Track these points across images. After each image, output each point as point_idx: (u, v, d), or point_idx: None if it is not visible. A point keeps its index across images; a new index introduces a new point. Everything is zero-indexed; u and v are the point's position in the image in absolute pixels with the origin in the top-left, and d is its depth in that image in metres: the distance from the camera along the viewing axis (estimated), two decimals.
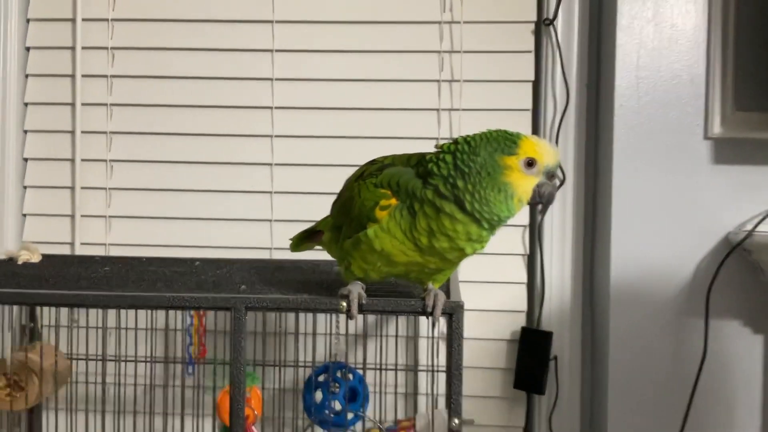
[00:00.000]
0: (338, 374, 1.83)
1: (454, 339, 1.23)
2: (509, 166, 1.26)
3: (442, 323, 1.35)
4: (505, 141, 1.27)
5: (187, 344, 1.95)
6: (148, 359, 1.99)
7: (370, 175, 1.40)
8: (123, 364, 2.01)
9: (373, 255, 1.35)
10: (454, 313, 1.27)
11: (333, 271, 1.86)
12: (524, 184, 1.27)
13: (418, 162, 1.35)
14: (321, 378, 1.86)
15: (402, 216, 1.32)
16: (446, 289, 1.48)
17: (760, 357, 1.94)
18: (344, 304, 1.32)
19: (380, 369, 1.95)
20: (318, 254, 2.07)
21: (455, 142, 1.31)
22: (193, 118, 2.23)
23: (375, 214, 1.34)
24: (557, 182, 1.32)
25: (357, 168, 1.51)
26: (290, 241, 1.73)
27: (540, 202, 1.30)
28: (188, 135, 2.23)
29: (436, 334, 1.49)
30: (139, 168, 2.24)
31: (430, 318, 1.31)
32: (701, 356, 1.89)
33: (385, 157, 1.45)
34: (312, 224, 1.71)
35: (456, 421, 1.21)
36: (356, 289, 1.35)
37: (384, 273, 1.40)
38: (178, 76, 2.23)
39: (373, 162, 1.47)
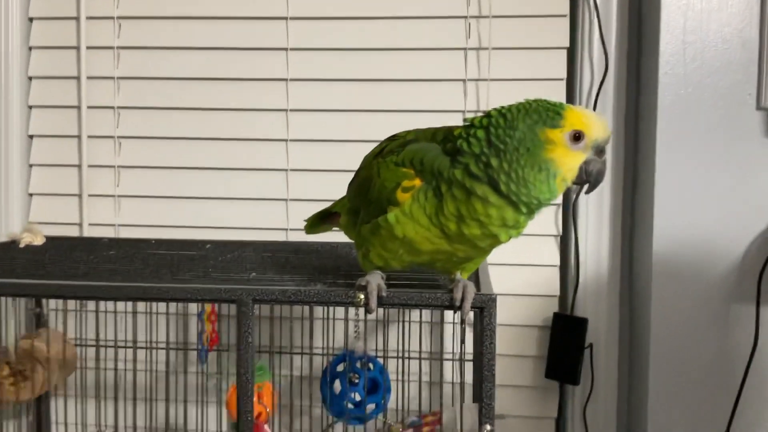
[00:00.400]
0: (358, 364, 1.71)
1: (485, 337, 1.10)
2: (552, 141, 1.11)
3: (471, 315, 1.22)
4: (547, 112, 1.12)
5: (199, 331, 1.84)
6: (161, 345, 1.90)
7: (391, 153, 1.26)
8: (134, 350, 1.91)
9: (394, 242, 1.22)
10: (485, 308, 1.13)
11: (353, 255, 1.74)
12: (570, 161, 1.12)
13: (445, 137, 1.21)
14: (340, 368, 1.75)
15: (427, 199, 1.18)
16: (475, 278, 1.34)
17: None
18: (362, 296, 1.19)
19: (402, 357, 1.83)
20: (337, 236, 1.96)
21: (488, 115, 1.16)
22: (204, 91, 2.11)
23: (396, 197, 1.20)
24: (606, 158, 1.16)
25: (376, 144, 1.37)
26: (305, 223, 1.61)
27: (587, 181, 1.15)
28: (200, 109, 2.12)
29: (464, 323, 1.35)
30: (148, 145, 2.13)
31: (458, 312, 1.17)
32: (752, 347, 1.73)
33: (408, 132, 1.31)
34: (328, 204, 1.58)
35: (488, 427, 1.09)
36: (375, 280, 1.21)
37: (407, 262, 1.27)
38: (190, 47, 2.11)
39: (393, 137, 1.32)
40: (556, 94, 2.01)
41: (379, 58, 2.05)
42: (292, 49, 2.07)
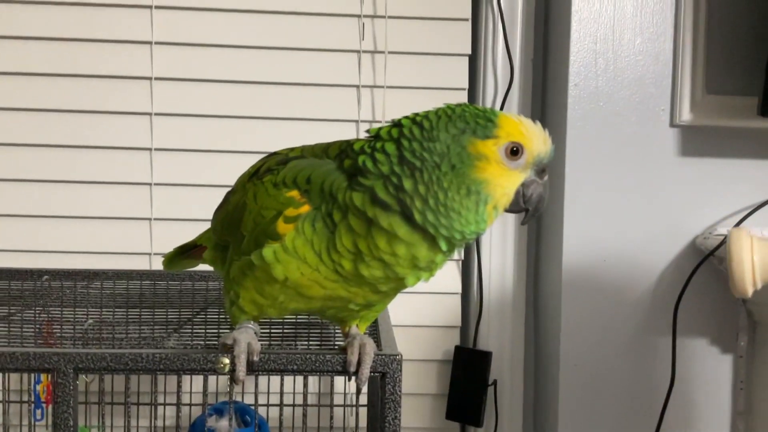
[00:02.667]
0: (232, 418, 1.43)
1: (388, 409, 0.86)
2: (484, 156, 0.87)
3: None
4: (477, 119, 0.89)
5: (34, 382, 1.51)
6: None
7: (269, 171, 0.99)
8: None
9: (272, 286, 0.95)
10: (388, 373, 0.89)
11: None
12: (505, 182, 0.89)
13: (340, 152, 0.96)
14: (211, 422, 1.46)
15: (315, 230, 0.92)
16: (373, 328, 1.11)
17: (728, 381, 1.68)
18: (226, 361, 0.90)
19: (290, 405, 1.56)
20: None
21: (398, 124, 0.92)
22: (47, 88, 1.77)
23: (277, 229, 0.93)
24: (547, 179, 0.94)
25: (257, 156, 1.11)
26: (163, 258, 1.32)
27: (524, 209, 0.93)
28: (38, 110, 1.78)
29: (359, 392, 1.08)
30: None
31: (353, 378, 0.92)
32: (669, 380, 1.60)
33: (292, 149, 1.04)
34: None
35: None
36: (245, 339, 0.92)
37: (288, 310, 1.01)
38: (28, 36, 1.76)
39: (275, 154, 1.05)
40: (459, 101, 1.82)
41: (261, 58, 1.80)
42: (157, 43, 1.77)
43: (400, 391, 0.87)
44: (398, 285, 0.96)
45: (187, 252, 1.29)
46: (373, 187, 0.89)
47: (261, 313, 1.01)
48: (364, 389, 1.58)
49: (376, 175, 0.90)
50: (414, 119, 0.91)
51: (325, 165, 0.95)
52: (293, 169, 0.96)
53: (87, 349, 0.87)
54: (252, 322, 1.00)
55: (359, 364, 0.90)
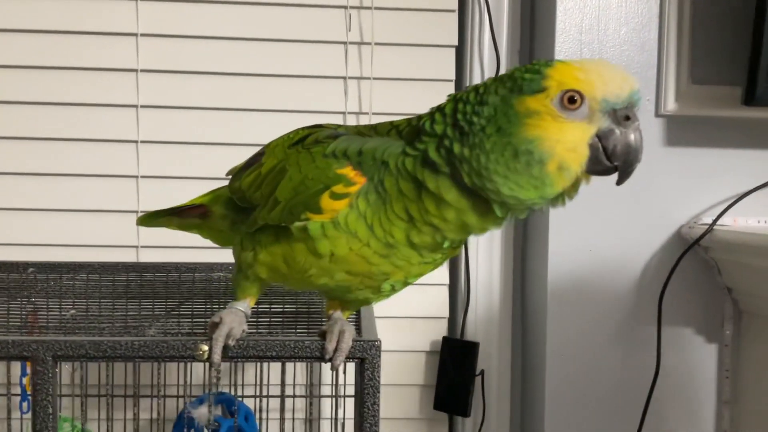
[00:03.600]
0: (218, 410, 1.43)
1: (366, 396, 0.86)
2: (534, 112, 0.80)
3: None
4: (525, 74, 0.83)
5: (21, 374, 1.50)
6: None
7: (318, 143, 0.95)
8: None
9: (307, 258, 0.93)
10: (366, 359, 0.89)
11: (218, 276, 1.48)
12: (567, 137, 0.80)
13: (407, 125, 0.93)
14: (198, 412, 1.46)
15: (369, 203, 0.89)
16: (357, 316, 1.11)
17: (713, 370, 1.68)
18: (204, 348, 0.90)
19: (266, 396, 1.55)
20: (204, 255, 1.68)
21: (461, 92, 0.90)
22: (31, 81, 1.75)
23: (320, 203, 0.90)
24: (638, 125, 0.81)
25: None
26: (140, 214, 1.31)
27: (609, 165, 0.83)
28: (20, 103, 1.76)
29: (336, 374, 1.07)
30: None
31: (330, 364, 0.92)
32: (654, 370, 1.61)
33: (338, 126, 1.02)
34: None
35: None
36: (230, 321, 0.92)
37: (312, 285, 0.98)
38: (11, 28, 1.74)
39: (320, 127, 1.02)
40: (443, 96, 1.82)
41: (247, 49, 1.79)
42: (143, 35, 1.76)
43: (378, 377, 0.88)
44: (445, 253, 0.93)
45: (175, 213, 1.25)
46: (427, 149, 0.86)
47: (275, 282, 0.99)
48: (351, 380, 1.59)
49: (432, 136, 0.87)
50: (475, 86, 0.88)
51: (377, 138, 0.93)
52: (343, 142, 0.93)
53: (66, 336, 0.87)
54: (247, 303, 0.99)
55: (336, 351, 0.90)
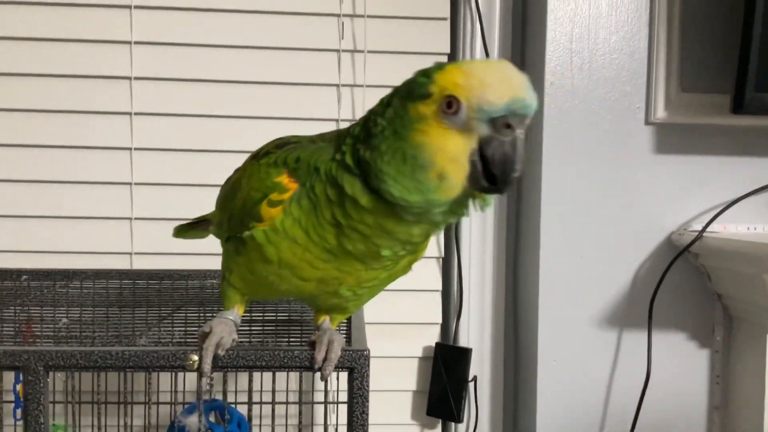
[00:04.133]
0: (211, 417, 1.43)
1: (356, 404, 0.87)
2: (423, 117, 0.79)
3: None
4: (419, 77, 0.81)
5: (15, 381, 1.51)
6: None
7: (266, 154, 0.98)
8: None
9: (264, 266, 0.94)
10: (355, 368, 0.90)
11: (212, 284, 1.48)
12: (446, 144, 0.78)
13: (347, 131, 0.93)
14: (188, 420, 1.46)
15: (302, 207, 0.90)
16: (347, 325, 1.11)
17: (704, 376, 1.69)
18: (195, 358, 0.91)
19: (258, 403, 1.55)
20: (197, 262, 1.69)
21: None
22: (20, 88, 1.76)
23: (260, 212, 0.92)
24: (520, 134, 0.77)
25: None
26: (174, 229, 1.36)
27: (484, 178, 0.79)
28: (14, 110, 1.76)
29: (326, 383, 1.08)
30: None
31: (319, 374, 0.92)
32: (645, 375, 1.62)
33: (295, 136, 1.03)
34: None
35: None
36: (220, 331, 0.94)
37: (281, 292, 0.99)
38: (5, 36, 1.75)
39: (279, 139, 1.04)
40: None
41: (240, 57, 1.80)
42: (137, 43, 1.77)
43: (367, 386, 0.88)
44: (386, 264, 0.93)
45: (198, 224, 1.31)
46: (346, 152, 0.87)
47: (252, 292, 1.01)
48: (344, 387, 1.59)
49: (352, 138, 0.87)
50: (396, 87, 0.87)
51: (318, 146, 0.94)
52: (286, 151, 0.95)
53: (57, 347, 0.88)
54: (235, 311, 1.00)
55: (325, 360, 0.91)
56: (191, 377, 1.59)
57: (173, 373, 1.45)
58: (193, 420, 1.23)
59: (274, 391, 1.21)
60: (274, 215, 0.91)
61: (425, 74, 0.81)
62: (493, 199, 0.86)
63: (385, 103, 0.86)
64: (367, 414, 0.88)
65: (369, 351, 0.92)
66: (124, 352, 0.87)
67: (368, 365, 0.89)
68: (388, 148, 0.82)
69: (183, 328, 1.24)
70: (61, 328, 1.12)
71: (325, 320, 1.03)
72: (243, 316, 1.05)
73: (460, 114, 0.77)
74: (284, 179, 0.92)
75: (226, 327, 0.95)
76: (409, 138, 0.80)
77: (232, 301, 1.03)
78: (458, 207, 0.84)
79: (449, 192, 0.80)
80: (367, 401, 0.88)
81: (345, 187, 0.86)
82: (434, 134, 0.79)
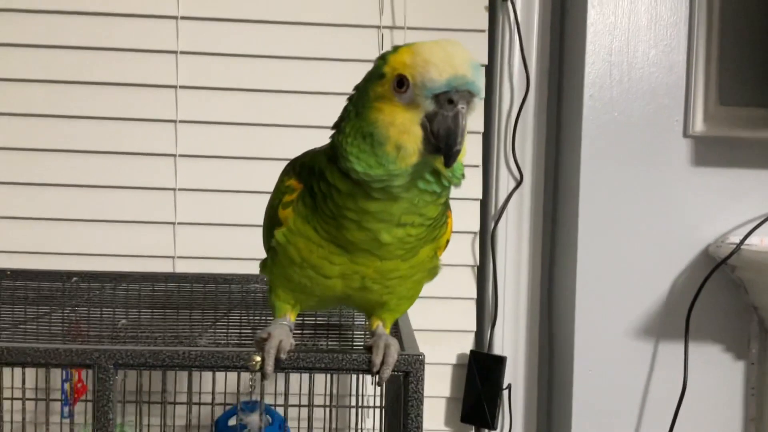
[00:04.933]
0: (262, 413, 1.46)
1: (410, 407, 0.90)
2: (380, 96, 0.85)
3: None
4: (378, 60, 0.89)
5: (63, 379, 1.55)
6: (16, 396, 1.58)
7: (289, 164, 1.06)
8: None
9: (293, 269, 1.00)
10: (411, 372, 0.93)
11: (247, 288, 1.51)
12: (399, 120, 0.84)
13: None
14: (231, 421, 1.50)
15: (306, 205, 0.96)
16: (395, 329, 1.14)
17: (740, 388, 1.70)
18: (257, 359, 0.94)
19: (295, 406, 1.59)
20: (236, 266, 1.73)
21: None
22: (73, 96, 1.81)
23: (279, 215, 0.98)
24: (461, 108, 0.82)
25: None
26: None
27: (437, 147, 0.84)
28: (64, 117, 1.82)
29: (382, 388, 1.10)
30: (6, 157, 1.81)
31: (375, 377, 0.95)
32: (681, 387, 1.63)
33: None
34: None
35: None
36: (278, 334, 0.97)
37: (319, 295, 1.03)
38: (52, 44, 1.80)
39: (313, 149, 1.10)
40: (474, 114, 1.85)
41: (283, 67, 1.84)
42: (182, 53, 1.82)
43: (422, 390, 0.91)
44: (389, 249, 0.95)
45: None
46: (330, 145, 0.94)
47: (296, 301, 1.05)
48: (379, 391, 1.62)
49: (334, 129, 0.94)
50: None
51: (323, 148, 0.99)
52: (298, 159, 1.03)
53: (126, 346, 0.92)
54: (288, 318, 1.04)
55: (382, 364, 0.94)
56: (231, 379, 1.63)
57: (214, 374, 1.48)
58: (254, 418, 1.26)
59: (311, 394, 1.23)
60: (288, 216, 0.98)
61: (383, 57, 0.89)
62: (460, 173, 0.91)
63: (355, 89, 0.93)
64: (422, 417, 0.91)
65: (424, 355, 0.95)
66: (190, 352, 0.91)
67: (423, 369, 0.92)
68: (351, 128, 0.89)
69: (237, 331, 1.27)
70: (120, 329, 1.16)
71: (378, 325, 1.06)
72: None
73: (408, 91, 0.84)
74: (293, 182, 0.99)
75: (283, 331, 0.98)
76: (367, 116, 0.87)
77: (282, 310, 1.07)
78: (419, 178, 0.89)
79: (406, 160, 0.86)
80: (422, 404, 0.91)
81: (327, 177, 0.91)
82: (387, 111, 0.85)
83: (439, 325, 1.86)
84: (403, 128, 0.84)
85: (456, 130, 0.82)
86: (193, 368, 0.91)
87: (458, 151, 0.84)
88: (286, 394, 1.43)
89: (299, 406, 1.58)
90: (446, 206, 1.00)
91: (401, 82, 0.83)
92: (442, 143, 0.83)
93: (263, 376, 0.94)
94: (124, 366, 0.89)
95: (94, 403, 0.88)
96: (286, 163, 1.15)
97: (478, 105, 0.87)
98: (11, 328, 1.18)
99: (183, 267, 1.82)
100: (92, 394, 0.89)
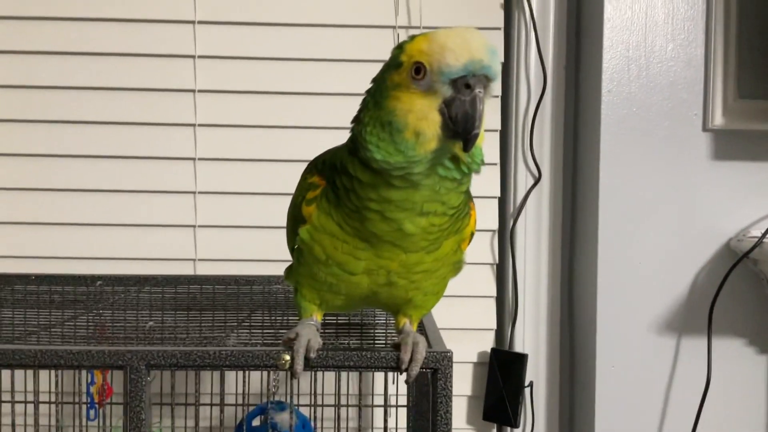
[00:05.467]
0: (292, 412, 1.47)
1: (440, 404, 0.90)
2: (398, 85, 0.86)
3: None
4: (395, 50, 0.90)
5: (88, 382, 1.57)
6: (42, 398, 1.60)
7: (311, 163, 1.08)
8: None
9: (319, 267, 1.00)
10: (439, 369, 0.93)
11: (269, 290, 1.52)
12: (419, 106, 0.85)
13: None
14: (256, 422, 1.51)
15: (329, 201, 0.97)
16: (421, 326, 1.14)
17: (764, 382, 1.69)
18: (287, 357, 0.95)
19: (320, 406, 1.59)
20: (255, 268, 1.74)
21: None
22: (95, 102, 1.83)
23: (302, 212, 0.99)
24: (479, 93, 0.83)
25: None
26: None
27: (455, 132, 0.85)
28: (89, 123, 1.84)
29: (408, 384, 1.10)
30: (27, 163, 1.84)
31: (403, 374, 0.96)
32: (705, 382, 1.62)
33: None
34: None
35: None
36: (306, 334, 0.98)
37: (345, 294, 1.03)
38: (73, 51, 1.82)
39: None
40: (491, 111, 1.86)
41: (301, 69, 1.84)
42: (200, 57, 1.83)
43: (450, 387, 0.91)
44: (415, 241, 0.95)
45: None
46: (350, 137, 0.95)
47: (323, 301, 1.05)
48: (402, 390, 1.62)
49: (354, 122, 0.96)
50: None
51: (344, 144, 1.00)
52: (320, 157, 1.04)
53: (157, 346, 0.93)
54: (314, 318, 1.05)
55: (410, 361, 0.94)
56: (254, 380, 1.64)
57: (243, 374, 1.50)
58: (284, 417, 1.27)
59: (338, 394, 1.24)
60: (312, 212, 0.98)
61: (399, 46, 0.89)
62: (480, 158, 0.91)
63: (372, 81, 0.94)
64: (451, 414, 0.91)
65: (451, 352, 0.95)
66: (220, 352, 0.92)
67: (451, 366, 0.93)
68: (370, 118, 0.90)
69: (262, 332, 1.28)
70: (148, 331, 1.17)
71: (405, 323, 1.07)
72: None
73: (426, 78, 0.84)
74: (315, 179, 1.00)
75: (311, 331, 0.99)
76: (385, 105, 0.88)
77: (308, 311, 1.07)
78: (439, 165, 0.89)
79: (425, 146, 0.87)
80: (451, 401, 0.91)
81: (349, 169, 0.92)
82: (405, 99, 0.86)
83: (459, 324, 1.86)
84: (421, 114, 0.86)
85: (474, 114, 0.83)
86: (224, 368, 0.92)
87: (476, 135, 0.85)
88: (314, 394, 1.44)
89: (323, 405, 1.58)
90: (468, 196, 1.00)
91: (418, 70, 0.84)
92: (460, 128, 0.84)
93: (293, 375, 0.94)
94: (156, 367, 0.90)
95: (126, 404, 0.89)
96: (304, 164, 1.16)
97: (495, 89, 0.87)
98: (40, 331, 1.19)
99: (203, 269, 1.83)
100: (124, 396, 0.90)
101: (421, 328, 1.16)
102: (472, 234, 1.07)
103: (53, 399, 1.52)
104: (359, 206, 0.93)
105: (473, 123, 0.83)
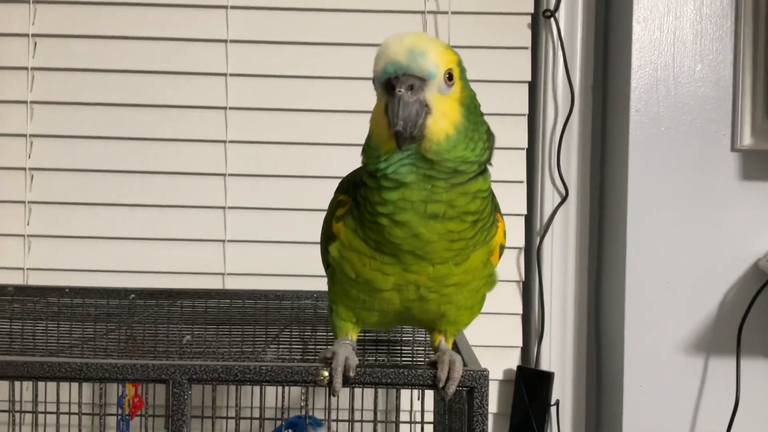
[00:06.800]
0: (329, 428, 1.49)
1: (476, 423, 0.91)
2: (378, 94, 0.93)
3: None
4: None
5: (119, 395, 1.59)
6: (73, 410, 1.62)
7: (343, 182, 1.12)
8: (34, 415, 1.63)
9: (351, 285, 1.03)
10: (476, 387, 0.94)
11: (298, 305, 1.54)
12: (377, 112, 0.94)
13: None
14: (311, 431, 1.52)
15: (354, 217, 1.00)
16: (454, 348, 1.15)
17: None
18: (325, 374, 0.96)
19: (347, 421, 1.60)
20: (286, 283, 1.76)
21: None
22: (128, 118, 1.88)
23: (332, 229, 1.04)
24: (399, 92, 0.86)
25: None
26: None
27: (396, 133, 0.87)
28: (123, 139, 1.88)
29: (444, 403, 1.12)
30: (64, 177, 1.88)
31: (441, 392, 0.97)
32: (734, 403, 1.61)
33: None
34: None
35: None
36: (343, 352, 0.99)
37: (378, 312, 1.05)
38: (111, 69, 1.87)
39: None
40: (518, 130, 1.88)
41: (330, 87, 1.87)
42: (231, 75, 1.87)
43: (486, 405, 0.92)
44: (437, 249, 0.96)
45: None
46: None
47: (358, 319, 1.06)
48: (429, 407, 1.62)
49: None
50: None
51: None
52: (348, 176, 1.08)
53: (198, 360, 0.95)
54: (350, 337, 1.06)
55: (447, 379, 0.95)
56: (271, 395, 1.66)
57: (283, 389, 1.51)
58: None
59: (352, 410, 1.25)
60: (340, 229, 1.02)
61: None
62: (448, 154, 0.92)
63: None
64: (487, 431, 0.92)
65: (488, 371, 0.96)
66: (261, 367, 0.93)
67: (487, 384, 0.93)
68: (369, 128, 0.96)
69: (292, 347, 1.30)
70: (185, 345, 1.20)
71: (441, 341, 1.08)
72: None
73: (375, 82, 0.91)
74: (343, 197, 1.04)
75: (347, 349, 1.00)
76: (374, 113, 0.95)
77: (343, 330, 1.08)
78: (412, 163, 0.92)
79: (384, 147, 0.92)
80: (487, 420, 0.92)
81: (362, 179, 0.97)
82: (377, 105, 0.94)
83: (485, 341, 1.86)
84: (377, 120, 0.93)
85: (396, 113, 0.87)
86: (264, 383, 0.94)
87: (401, 132, 0.87)
88: (352, 410, 1.45)
89: (351, 421, 1.59)
90: (489, 202, 1.01)
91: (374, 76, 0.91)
92: (392, 128, 0.88)
93: (332, 393, 0.96)
94: (197, 381, 0.92)
95: (168, 417, 0.91)
96: (332, 180, 1.19)
97: (435, 83, 0.89)
98: (82, 344, 1.22)
99: (232, 284, 1.85)
100: (165, 409, 0.92)
101: (455, 347, 1.17)
102: (503, 247, 1.08)
103: (89, 410, 1.55)
104: (372, 212, 0.96)
105: (395, 121, 0.87)
